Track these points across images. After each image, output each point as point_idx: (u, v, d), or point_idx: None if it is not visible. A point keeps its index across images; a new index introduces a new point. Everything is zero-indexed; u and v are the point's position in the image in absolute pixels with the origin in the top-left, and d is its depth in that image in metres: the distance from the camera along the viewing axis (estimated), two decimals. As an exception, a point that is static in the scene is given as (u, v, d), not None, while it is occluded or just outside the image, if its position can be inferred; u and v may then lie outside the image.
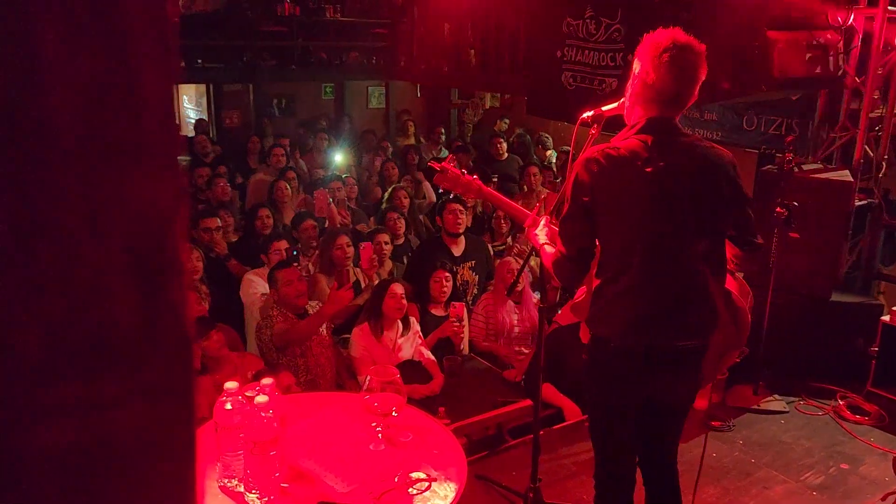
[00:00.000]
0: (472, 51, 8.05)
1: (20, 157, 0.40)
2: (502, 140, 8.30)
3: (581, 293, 2.56)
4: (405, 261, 5.53)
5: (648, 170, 2.17)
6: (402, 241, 5.69)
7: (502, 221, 5.90)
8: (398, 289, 4.24)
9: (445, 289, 4.66)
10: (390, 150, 9.01)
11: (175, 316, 0.46)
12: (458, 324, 4.46)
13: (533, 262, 4.87)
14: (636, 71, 2.24)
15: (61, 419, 0.42)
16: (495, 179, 7.04)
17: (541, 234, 2.59)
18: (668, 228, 2.21)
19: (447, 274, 4.69)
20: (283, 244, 4.89)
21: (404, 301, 4.25)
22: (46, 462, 0.42)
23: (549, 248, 2.47)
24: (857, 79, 4.86)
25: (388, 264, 5.26)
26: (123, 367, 0.44)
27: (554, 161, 8.70)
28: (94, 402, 0.43)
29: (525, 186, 7.11)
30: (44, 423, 0.42)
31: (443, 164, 2.96)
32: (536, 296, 4.92)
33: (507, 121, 10.79)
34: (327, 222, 5.84)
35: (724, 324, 2.33)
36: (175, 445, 0.47)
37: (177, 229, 0.45)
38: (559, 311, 4.41)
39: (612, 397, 2.38)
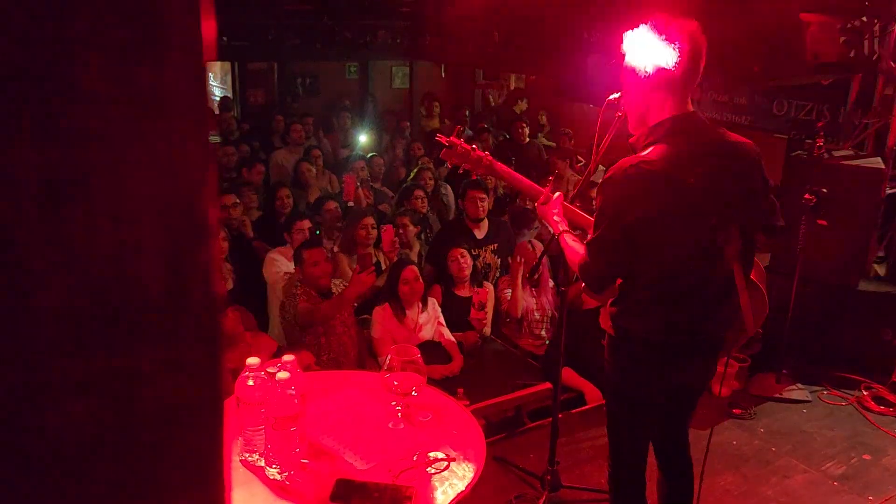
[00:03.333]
0: (498, 31, 7.97)
1: (48, 116, 0.39)
2: (525, 124, 8.22)
3: None
4: (423, 238, 5.54)
5: (690, 181, 2.09)
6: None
7: (527, 203, 5.87)
8: (409, 273, 4.23)
9: (464, 266, 4.64)
10: (408, 130, 8.97)
11: (203, 282, 0.44)
12: (480, 310, 4.46)
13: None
14: (648, 63, 2.13)
15: (87, 392, 0.41)
16: (514, 160, 6.98)
17: (559, 218, 2.52)
18: (709, 235, 2.15)
19: (462, 251, 4.67)
20: (306, 223, 4.91)
21: (419, 283, 4.24)
22: (72, 435, 0.41)
23: (570, 241, 2.40)
24: (891, 63, 4.74)
25: (417, 245, 5.27)
26: (151, 338, 0.43)
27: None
28: (121, 376, 0.42)
29: (555, 171, 7.06)
30: (70, 395, 0.41)
31: (450, 138, 2.78)
32: (553, 282, 4.91)
33: (527, 102, 10.68)
34: (350, 203, 5.85)
35: (745, 313, 2.31)
36: (202, 419, 0.46)
37: (206, 190, 0.43)
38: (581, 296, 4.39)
39: (637, 389, 2.35)
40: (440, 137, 2.82)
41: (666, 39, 2.10)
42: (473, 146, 2.82)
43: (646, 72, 2.15)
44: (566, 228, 2.48)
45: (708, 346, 2.30)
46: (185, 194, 0.43)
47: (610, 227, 2.13)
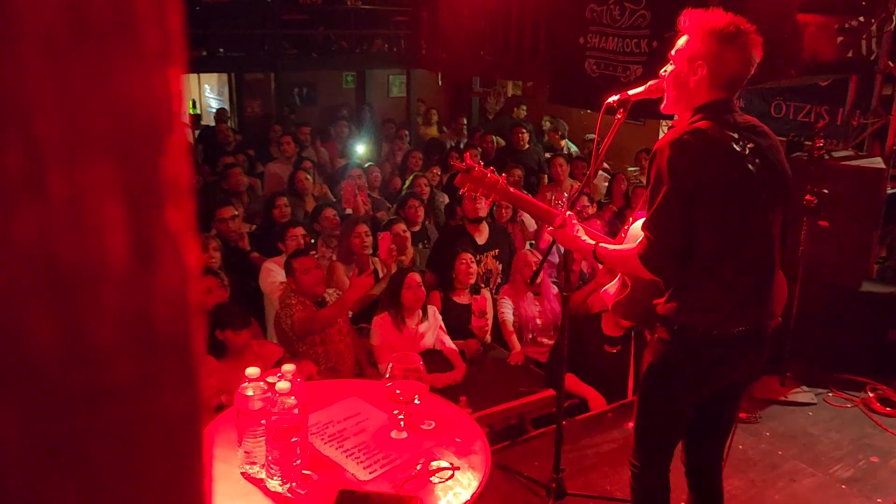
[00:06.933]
0: (494, 38, 7.98)
1: None
2: (524, 130, 8.21)
3: (617, 291, 2.50)
4: (420, 247, 5.52)
5: (743, 151, 2.11)
6: (418, 227, 5.67)
7: (503, 210, 5.78)
8: (416, 279, 4.21)
9: (471, 271, 4.61)
10: (408, 139, 8.97)
11: (177, 255, 0.36)
12: (481, 318, 4.43)
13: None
14: (702, 54, 2.15)
15: (43, 417, 0.34)
16: (519, 173, 6.90)
17: (585, 236, 2.49)
18: (761, 212, 2.17)
19: (470, 256, 4.65)
20: (300, 231, 4.88)
21: (422, 290, 4.22)
22: (33, 464, 0.36)
23: (611, 246, 2.38)
24: (889, 63, 4.74)
25: (411, 251, 5.24)
26: (112, 343, 0.35)
27: (572, 151, 8.60)
28: (79, 396, 0.35)
29: (552, 177, 7.04)
30: (22, 421, 0.34)
31: (467, 161, 2.72)
32: (555, 290, 4.88)
33: (525, 108, 10.70)
34: (347, 210, 5.84)
35: (776, 296, 2.32)
36: (179, 438, 0.40)
37: (175, 136, 0.35)
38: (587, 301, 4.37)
39: (693, 389, 2.30)
40: (456, 164, 2.78)
41: (722, 36, 2.12)
42: (491, 169, 2.76)
43: (699, 63, 2.16)
44: (596, 241, 2.45)
45: (760, 335, 2.26)
46: (150, 140, 0.35)
47: (671, 192, 2.09)
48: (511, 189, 2.77)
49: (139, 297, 0.35)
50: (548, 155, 8.16)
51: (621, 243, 2.45)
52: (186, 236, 0.37)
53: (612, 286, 2.57)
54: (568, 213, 2.57)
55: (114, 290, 0.35)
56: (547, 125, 9.89)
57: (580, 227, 2.53)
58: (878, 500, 3.35)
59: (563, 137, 9.03)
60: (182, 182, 0.36)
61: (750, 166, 2.12)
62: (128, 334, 0.35)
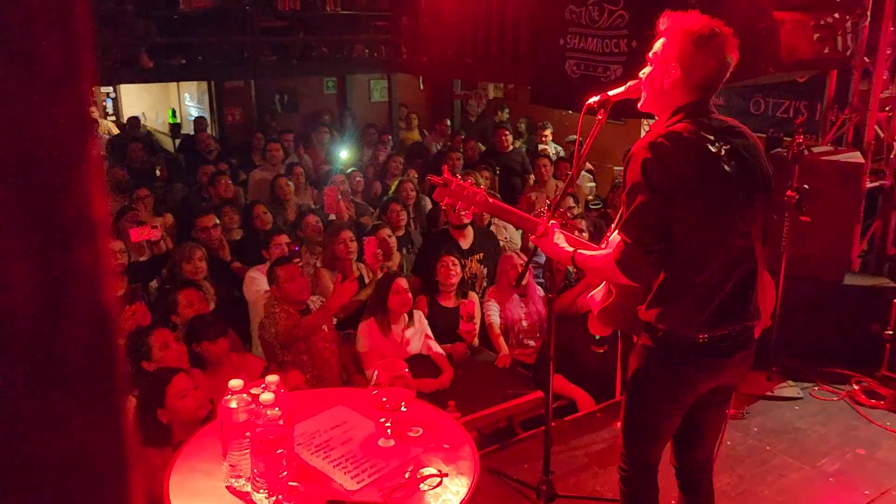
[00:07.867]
0: (475, 41, 7.99)
1: None
2: (507, 131, 8.21)
3: (602, 298, 2.49)
4: (404, 252, 5.50)
5: (719, 153, 2.11)
6: (402, 232, 5.65)
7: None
8: (403, 283, 4.19)
9: (453, 273, 4.59)
10: (391, 143, 8.95)
11: (90, 294, 0.32)
12: (469, 322, 4.41)
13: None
14: (675, 56, 2.15)
15: None
16: (488, 174, 6.90)
17: (564, 244, 2.48)
18: (739, 212, 2.16)
19: (453, 258, 4.63)
20: (284, 238, 4.85)
21: (409, 295, 4.21)
22: None
23: (587, 252, 2.38)
24: (866, 59, 4.78)
25: (397, 257, 5.22)
26: (23, 377, 0.32)
27: (557, 153, 8.60)
28: None
29: (535, 178, 7.04)
30: None
31: (445, 176, 2.69)
32: (541, 291, 4.87)
33: (508, 110, 10.71)
34: (330, 216, 5.81)
35: (760, 299, 2.31)
36: (101, 468, 0.36)
37: (84, 167, 0.31)
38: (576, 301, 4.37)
39: (678, 394, 2.28)
40: (433, 178, 2.75)
41: (696, 39, 2.11)
42: (470, 181, 2.75)
43: (674, 65, 2.16)
44: (574, 247, 2.45)
45: (745, 338, 2.26)
46: (59, 168, 0.31)
47: (646, 196, 2.08)
48: (490, 200, 2.75)
49: (46, 342, 0.32)
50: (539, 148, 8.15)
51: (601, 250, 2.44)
52: (100, 272, 0.34)
53: (598, 292, 2.55)
54: (551, 221, 2.56)
55: (19, 340, 0.31)
56: (522, 126, 9.89)
57: (561, 235, 2.52)
58: (866, 492, 3.37)
59: (551, 133, 8.98)
60: (95, 215, 0.33)
61: (726, 167, 2.11)
62: (35, 379, 0.32)
